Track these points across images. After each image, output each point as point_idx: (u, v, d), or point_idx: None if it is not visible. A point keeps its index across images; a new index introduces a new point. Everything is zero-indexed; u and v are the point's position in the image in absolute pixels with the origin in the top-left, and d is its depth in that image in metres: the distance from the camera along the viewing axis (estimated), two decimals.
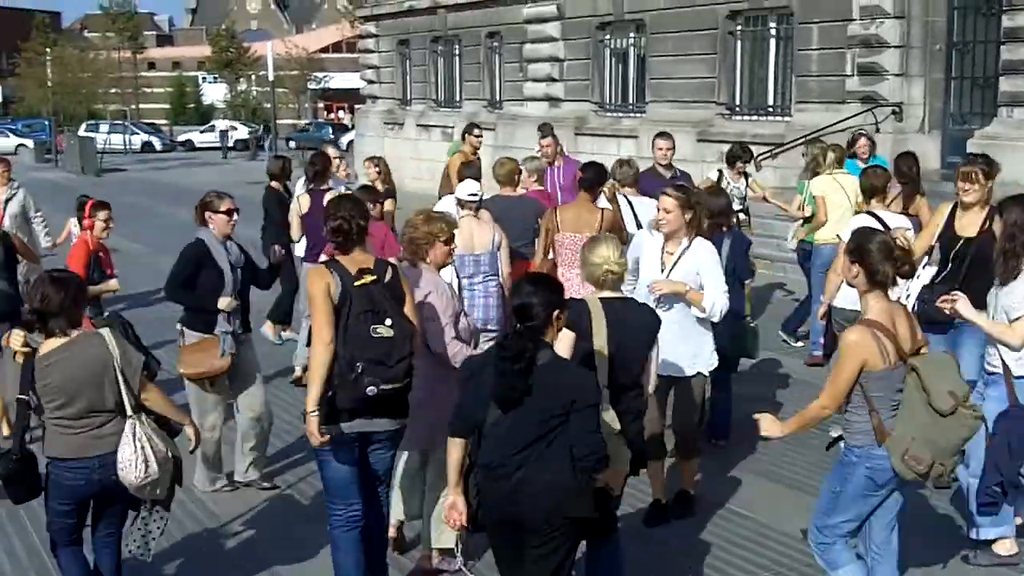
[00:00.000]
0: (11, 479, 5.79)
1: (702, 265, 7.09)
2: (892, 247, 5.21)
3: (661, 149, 11.85)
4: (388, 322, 5.67)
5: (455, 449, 5.01)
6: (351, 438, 5.86)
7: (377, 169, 12.39)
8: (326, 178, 11.17)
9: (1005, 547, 6.72)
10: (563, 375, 4.86)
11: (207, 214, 7.74)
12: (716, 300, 7.04)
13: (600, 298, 5.86)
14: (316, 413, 5.73)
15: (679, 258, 7.10)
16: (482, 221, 8.80)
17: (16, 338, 5.63)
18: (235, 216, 7.76)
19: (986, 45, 17.61)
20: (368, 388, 5.59)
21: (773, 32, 21.08)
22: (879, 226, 7.50)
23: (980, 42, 17.80)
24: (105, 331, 5.66)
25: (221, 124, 62.03)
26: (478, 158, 13.71)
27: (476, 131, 15.15)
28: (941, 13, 18.19)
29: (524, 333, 4.83)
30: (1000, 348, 6.24)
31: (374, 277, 5.77)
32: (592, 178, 9.20)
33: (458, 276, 8.24)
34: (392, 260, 6.27)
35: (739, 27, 21.63)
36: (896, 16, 18.21)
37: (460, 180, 9.56)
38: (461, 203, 8.80)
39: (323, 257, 7.38)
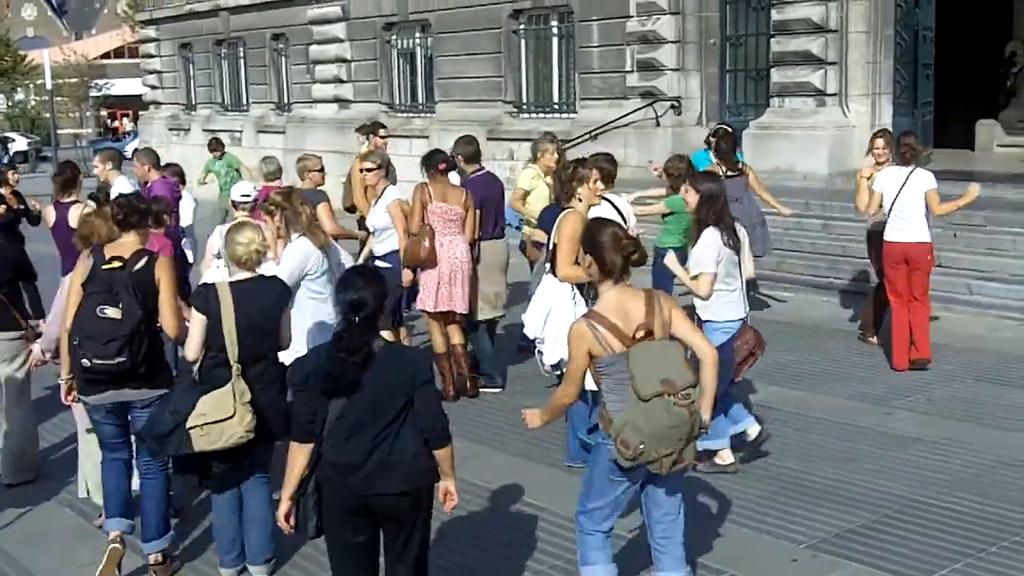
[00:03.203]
0: None
1: None
2: (621, 237, 5.33)
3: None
4: (120, 305, 6.14)
5: (301, 455, 5.07)
6: (96, 410, 6.51)
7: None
8: (70, 190, 10.71)
9: (723, 458, 7.98)
10: (400, 358, 5.05)
11: None
12: None
13: (230, 282, 6.34)
14: (64, 381, 6.62)
15: None
16: (256, 222, 8.86)
17: None
18: None
19: (757, 38, 18.32)
20: (82, 359, 6.17)
21: (555, 30, 21.44)
22: (614, 211, 8.50)
23: (752, 35, 18.50)
24: None
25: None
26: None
27: (382, 131, 14.50)
28: (714, 8, 18.83)
29: (361, 325, 4.92)
30: (694, 299, 7.70)
31: (121, 264, 6.28)
32: (441, 158, 10.18)
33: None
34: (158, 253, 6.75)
35: (522, 26, 21.92)
36: (671, 12, 18.77)
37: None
38: (234, 204, 9.08)
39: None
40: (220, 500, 6.54)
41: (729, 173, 11.57)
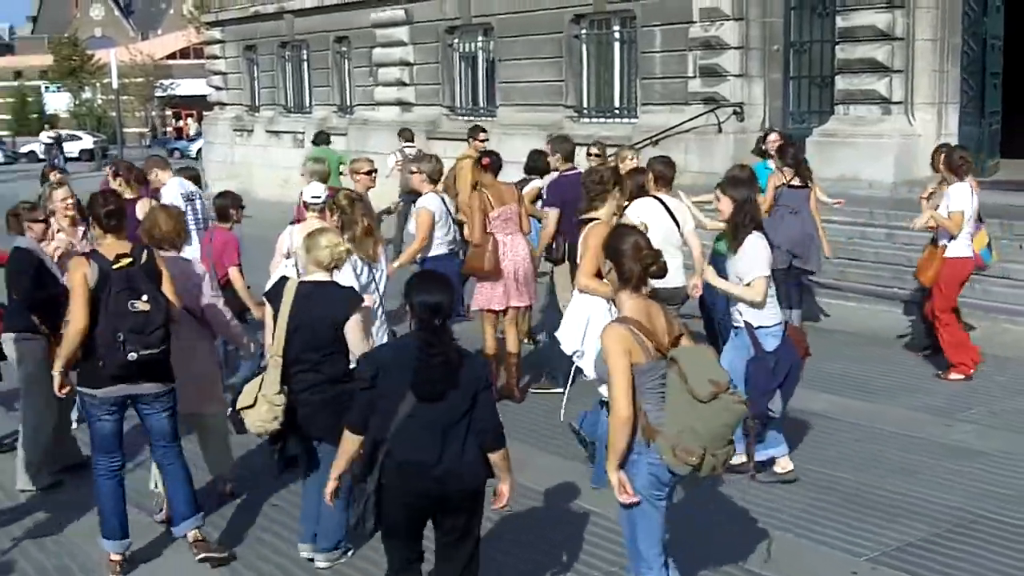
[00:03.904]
0: None
1: None
2: (642, 247, 5.28)
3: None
4: (144, 297, 6.37)
5: (351, 442, 5.22)
6: (111, 401, 6.57)
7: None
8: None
9: (782, 466, 8.03)
10: (468, 364, 5.18)
11: (26, 224, 8.13)
12: None
13: (299, 281, 6.56)
14: (57, 374, 6.69)
15: None
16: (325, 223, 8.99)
17: None
18: (52, 223, 8.15)
19: (822, 45, 18.16)
20: (130, 354, 6.31)
21: (617, 35, 21.40)
22: (664, 211, 8.66)
23: (816, 42, 18.35)
24: None
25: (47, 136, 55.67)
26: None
27: (482, 135, 14.49)
28: (778, 14, 18.68)
29: (440, 330, 5.09)
30: (740, 305, 7.61)
31: (131, 260, 6.48)
32: (498, 163, 10.38)
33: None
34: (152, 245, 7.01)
35: (584, 31, 21.90)
36: (735, 18, 18.65)
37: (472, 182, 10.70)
38: (305, 204, 9.01)
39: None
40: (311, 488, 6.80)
41: (794, 183, 11.46)
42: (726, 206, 7.66)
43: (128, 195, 10.24)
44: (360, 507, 5.25)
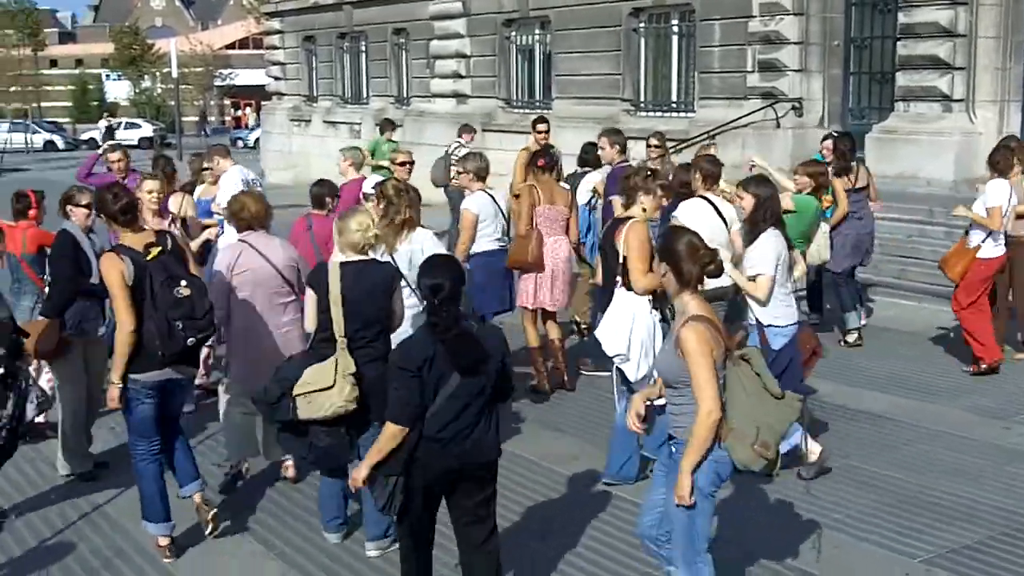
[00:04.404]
0: None
1: None
2: (698, 247, 5.24)
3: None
4: (183, 283, 6.53)
5: (393, 436, 5.28)
6: (153, 385, 6.69)
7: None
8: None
9: (813, 452, 7.94)
10: (489, 337, 5.45)
11: (69, 207, 8.17)
12: None
13: (340, 263, 6.59)
14: (120, 386, 6.61)
15: None
16: None
17: None
18: (94, 210, 8.03)
19: (883, 41, 17.99)
20: (188, 340, 6.48)
21: (675, 29, 21.30)
22: (713, 211, 8.61)
23: (877, 38, 18.18)
24: None
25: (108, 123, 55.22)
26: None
27: (540, 126, 14.34)
28: (839, 10, 18.54)
29: (443, 308, 5.25)
30: (753, 303, 7.67)
31: (160, 248, 6.61)
32: (553, 162, 10.39)
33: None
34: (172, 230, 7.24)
35: (642, 24, 21.83)
36: (795, 13, 18.53)
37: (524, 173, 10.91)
38: (366, 196, 9.44)
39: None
40: (326, 475, 6.95)
41: (857, 187, 11.47)
42: (748, 203, 7.70)
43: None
44: (389, 487, 5.38)
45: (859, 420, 9.32)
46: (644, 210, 8.04)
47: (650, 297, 7.72)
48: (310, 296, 6.68)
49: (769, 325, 7.62)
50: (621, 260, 7.83)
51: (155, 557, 6.88)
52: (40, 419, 8.37)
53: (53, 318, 7.85)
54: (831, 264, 11.37)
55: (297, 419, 6.46)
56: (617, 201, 10.19)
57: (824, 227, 10.73)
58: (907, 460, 8.37)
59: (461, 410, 5.28)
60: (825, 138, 13.12)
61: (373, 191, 8.99)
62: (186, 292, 6.50)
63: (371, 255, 6.79)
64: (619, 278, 7.90)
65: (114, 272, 6.52)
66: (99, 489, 8.03)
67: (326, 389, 6.39)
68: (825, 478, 7.94)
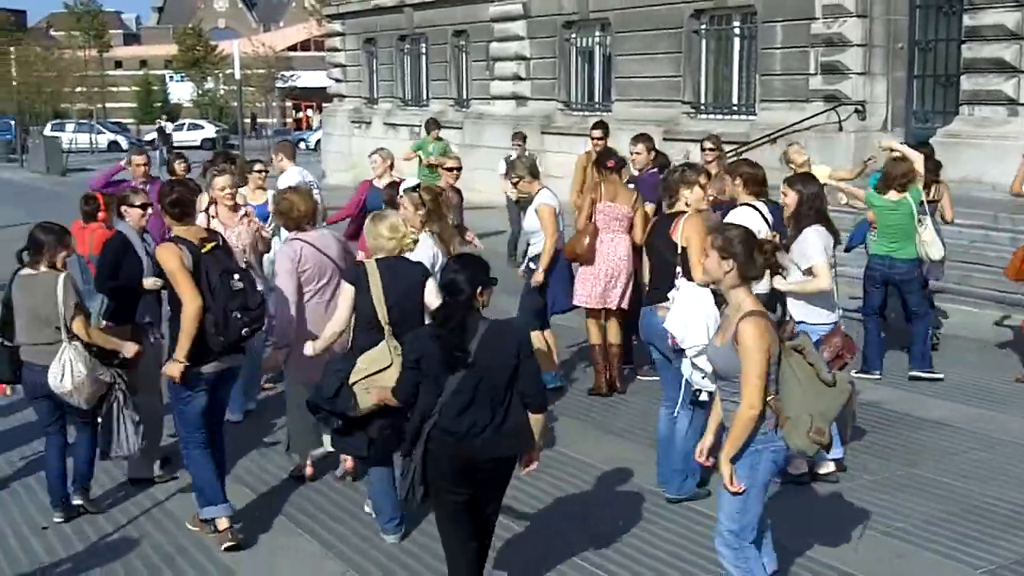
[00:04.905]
0: None
1: None
2: (761, 241, 5.51)
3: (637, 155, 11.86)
4: (236, 276, 6.77)
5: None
6: (209, 376, 6.89)
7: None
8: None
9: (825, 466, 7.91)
10: (506, 333, 5.56)
11: (123, 208, 8.31)
12: None
13: (376, 259, 6.90)
14: (184, 365, 6.74)
15: None
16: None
17: None
18: (149, 210, 8.26)
19: (947, 44, 17.75)
20: (243, 330, 6.73)
21: (737, 31, 21.18)
22: (761, 220, 8.28)
23: (942, 40, 17.95)
24: (61, 275, 7.13)
25: (160, 126, 54.03)
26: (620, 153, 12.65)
27: (597, 132, 13.80)
28: (903, 12, 18.33)
29: (451, 304, 5.48)
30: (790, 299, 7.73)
31: (214, 243, 6.91)
32: (622, 163, 10.47)
33: None
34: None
35: (703, 26, 21.73)
36: (859, 15, 18.34)
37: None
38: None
39: None
40: (380, 472, 7.02)
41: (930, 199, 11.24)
42: (792, 200, 7.89)
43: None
44: (408, 479, 5.56)
45: (923, 428, 9.22)
46: (688, 204, 7.93)
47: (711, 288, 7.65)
48: (348, 292, 6.89)
49: (800, 322, 7.55)
50: (680, 252, 7.77)
51: (216, 554, 6.94)
52: None
53: (119, 326, 7.92)
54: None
55: (358, 412, 6.58)
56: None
57: (926, 222, 10.53)
58: (970, 469, 8.27)
59: (467, 405, 5.41)
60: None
61: (403, 193, 9.01)
62: (240, 285, 6.74)
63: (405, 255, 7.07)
64: (679, 269, 7.80)
65: (173, 258, 6.70)
66: (161, 487, 8.12)
67: (385, 369, 6.53)
68: (888, 485, 7.87)
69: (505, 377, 5.44)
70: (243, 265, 7.75)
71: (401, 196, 8.66)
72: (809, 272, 7.77)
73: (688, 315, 7.66)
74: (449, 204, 9.22)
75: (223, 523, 6.99)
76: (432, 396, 5.47)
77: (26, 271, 7.22)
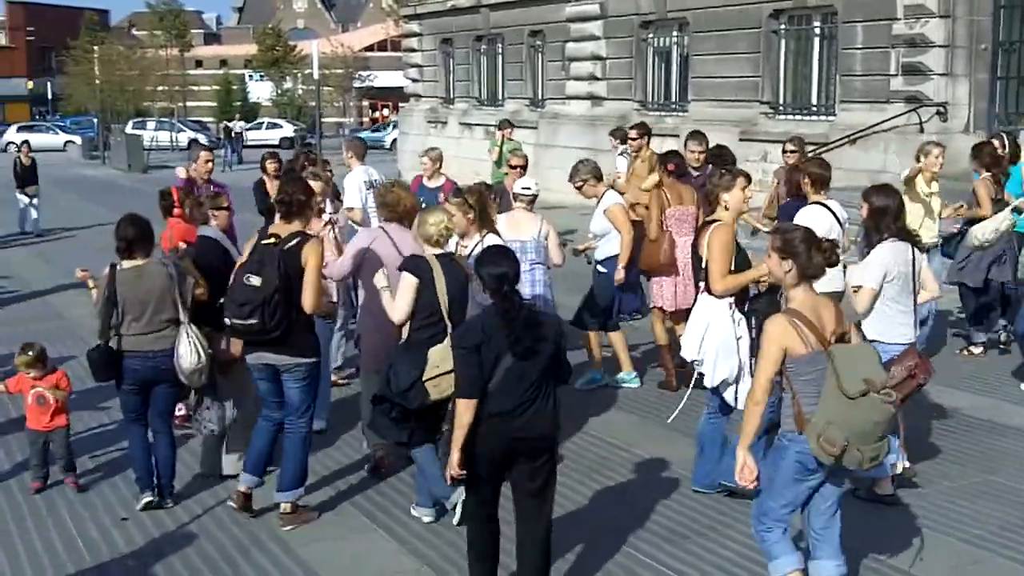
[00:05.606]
0: (96, 363, 7.48)
1: None
2: (819, 240, 5.53)
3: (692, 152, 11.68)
4: (261, 275, 6.90)
5: (467, 411, 5.61)
6: (254, 366, 7.27)
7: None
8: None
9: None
10: (546, 320, 5.86)
11: (211, 212, 8.45)
12: None
13: (435, 255, 7.10)
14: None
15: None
16: (530, 213, 9.52)
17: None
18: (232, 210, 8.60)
19: None
20: (226, 320, 7.09)
21: (817, 31, 20.98)
22: (831, 216, 8.40)
23: None
24: (167, 263, 7.56)
25: (226, 126, 54.50)
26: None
27: (633, 131, 13.42)
28: (986, 12, 18.05)
29: (511, 294, 5.66)
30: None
31: (274, 241, 7.06)
32: (684, 167, 10.67)
33: None
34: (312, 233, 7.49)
35: (783, 26, 21.55)
36: (941, 15, 18.09)
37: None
38: (515, 195, 9.64)
39: None
40: (424, 451, 7.16)
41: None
42: (864, 212, 7.48)
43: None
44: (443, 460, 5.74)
45: (1004, 435, 9.05)
46: (727, 209, 7.73)
47: (731, 301, 7.52)
48: (410, 282, 6.99)
49: (872, 340, 7.19)
50: (704, 264, 7.59)
51: (291, 547, 7.02)
52: (179, 412, 8.58)
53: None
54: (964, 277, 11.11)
55: (428, 404, 6.67)
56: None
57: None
58: None
59: (516, 387, 5.60)
60: (993, 136, 12.84)
61: (524, 192, 9.50)
62: (254, 283, 6.92)
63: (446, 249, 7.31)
64: (701, 284, 7.66)
65: (249, 244, 7.21)
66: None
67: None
68: (966, 492, 7.75)
69: (546, 359, 5.66)
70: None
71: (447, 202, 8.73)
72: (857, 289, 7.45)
73: (690, 327, 7.63)
74: (495, 205, 9.25)
75: (243, 488, 7.41)
76: (481, 381, 5.61)
77: (127, 263, 7.36)
